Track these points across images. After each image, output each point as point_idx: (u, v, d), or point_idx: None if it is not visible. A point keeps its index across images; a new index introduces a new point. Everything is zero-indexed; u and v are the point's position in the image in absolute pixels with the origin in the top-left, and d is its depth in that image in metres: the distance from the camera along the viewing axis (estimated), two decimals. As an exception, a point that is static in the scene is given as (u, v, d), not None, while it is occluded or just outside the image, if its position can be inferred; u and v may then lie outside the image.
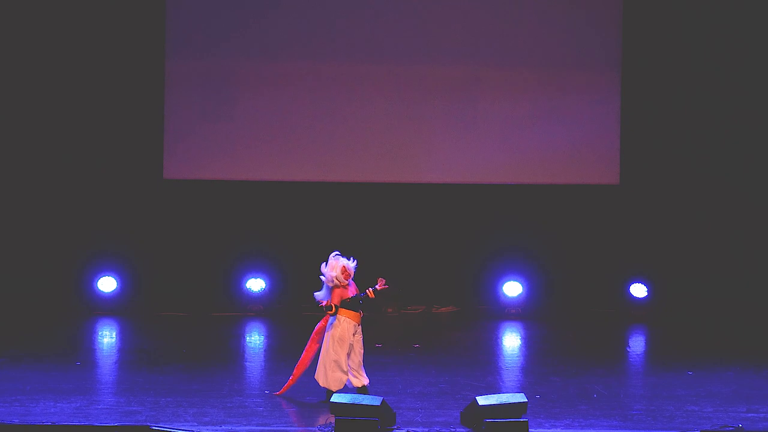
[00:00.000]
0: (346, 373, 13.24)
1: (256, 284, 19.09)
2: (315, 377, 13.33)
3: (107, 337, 17.66)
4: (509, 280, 19.20)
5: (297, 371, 13.57)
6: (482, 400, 12.13)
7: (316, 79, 18.91)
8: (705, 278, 19.07)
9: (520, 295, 19.20)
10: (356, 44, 18.93)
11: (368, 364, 14.22)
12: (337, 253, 13.36)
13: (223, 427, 12.14)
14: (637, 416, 12.81)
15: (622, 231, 19.23)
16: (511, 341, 17.86)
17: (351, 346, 13.28)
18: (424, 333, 17.98)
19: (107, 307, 18.78)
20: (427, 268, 19.14)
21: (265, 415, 12.70)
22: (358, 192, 19.17)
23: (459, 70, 18.94)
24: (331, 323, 13.28)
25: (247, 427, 12.17)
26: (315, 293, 13.39)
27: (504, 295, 19.22)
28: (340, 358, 13.20)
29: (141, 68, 18.79)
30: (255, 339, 17.75)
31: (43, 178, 18.79)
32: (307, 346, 13.52)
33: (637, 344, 18.08)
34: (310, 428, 12.10)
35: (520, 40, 18.97)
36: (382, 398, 12.12)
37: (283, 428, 12.18)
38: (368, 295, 13.24)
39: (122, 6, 18.69)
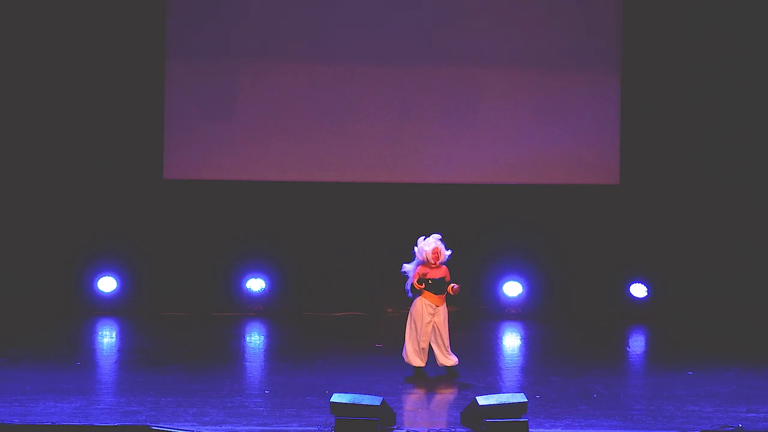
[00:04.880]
0: (417, 351, 14.27)
1: (256, 284, 19.07)
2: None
3: (107, 337, 17.65)
4: (509, 280, 19.19)
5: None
6: (482, 400, 12.13)
7: (316, 78, 18.89)
8: (705, 278, 19.05)
9: (520, 295, 19.19)
10: (356, 44, 18.92)
11: (368, 364, 14.25)
12: (440, 237, 14.34)
13: (223, 427, 12.14)
14: (637, 416, 12.81)
15: (622, 231, 19.21)
16: (511, 341, 17.85)
17: (434, 327, 14.22)
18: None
19: (107, 307, 18.77)
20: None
21: (265, 415, 12.70)
22: (358, 192, 19.14)
23: (459, 70, 18.93)
24: (413, 301, 14.36)
25: (247, 427, 12.17)
26: (404, 264, 14.55)
27: (504, 295, 19.21)
28: (410, 334, 14.36)
29: (141, 68, 18.77)
30: (255, 339, 17.75)
31: (43, 178, 18.76)
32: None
33: (637, 344, 18.08)
34: (310, 428, 12.09)
35: (519, 40, 18.96)
36: (382, 398, 12.11)
37: (283, 428, 12.17)
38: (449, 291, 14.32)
39: (122, 5, 18.68)
